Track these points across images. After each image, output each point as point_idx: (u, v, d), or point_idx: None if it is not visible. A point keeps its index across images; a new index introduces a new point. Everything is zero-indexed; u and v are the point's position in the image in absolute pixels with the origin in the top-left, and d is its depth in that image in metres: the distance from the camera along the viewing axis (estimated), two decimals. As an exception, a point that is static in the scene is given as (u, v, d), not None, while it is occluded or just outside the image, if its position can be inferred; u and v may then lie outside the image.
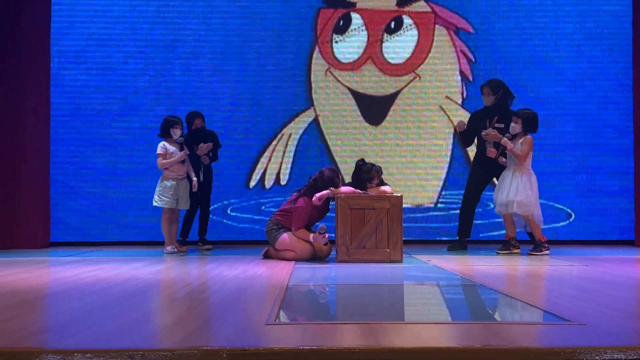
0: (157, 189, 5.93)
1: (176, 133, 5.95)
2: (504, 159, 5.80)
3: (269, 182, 7.30)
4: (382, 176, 5.60)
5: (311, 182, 5.28)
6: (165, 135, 5.97)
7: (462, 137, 6.31)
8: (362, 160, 5.57)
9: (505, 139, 5.68)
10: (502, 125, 5.89)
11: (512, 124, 5.66)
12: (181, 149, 5.97)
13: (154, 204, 5.94)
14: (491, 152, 5.84)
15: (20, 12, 6.84)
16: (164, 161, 5.90)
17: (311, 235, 5.11)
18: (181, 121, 6.07)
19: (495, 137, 5.84)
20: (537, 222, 5.65)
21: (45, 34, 7.06)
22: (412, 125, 7.33)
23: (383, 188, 5.39)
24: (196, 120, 6.38)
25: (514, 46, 7.31)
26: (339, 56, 7.36)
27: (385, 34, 7.36)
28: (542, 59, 7.29)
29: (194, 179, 6.05)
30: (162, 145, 5.93)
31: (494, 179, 6.32)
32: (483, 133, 5.92)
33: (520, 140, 5.64)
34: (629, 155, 7.16)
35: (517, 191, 5.56)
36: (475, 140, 6.26)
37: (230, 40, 7.31)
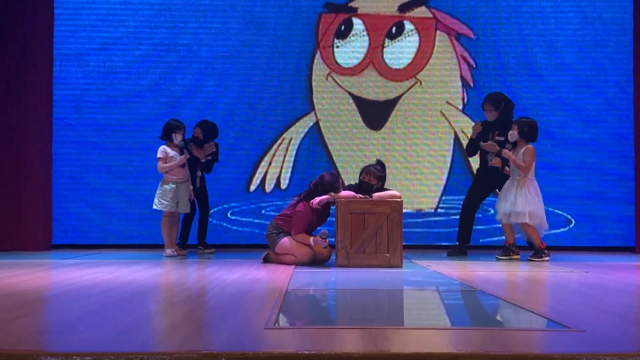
0: (157, 192, 5.94)
1: (177, 138, 5.96)
2: (507, 168, 5.81)
3: (269, 186, 7.30)
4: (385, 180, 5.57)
5: (311, 186, 5.28)
6: (167, 138, 5.98)
7: (470, 145, 6.29)
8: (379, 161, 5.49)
9: (505, 150, 5.69)
10: (503, 138, 5.90)
11: (510, 132, 5.70)
12: (181, 153, 5.98)
13: (154, 207, 5.94)
14: (496, 161, 5.85)
15: (23, 13, 6.86)
16: (164, 165, 5.90)
17: (311, 238, 5.11)
18: (184, 126, 6.06)
19: (492, 148, 5.88)
20: (541, 230, 5.65)
21: (47, 37, 7.07)
22: (413, 131, 7.34)
23: (384, 193, 5.32)
24: (196, 129, 6.42)
25: (514, 52, 7.32)
26: (340, 61, 7.38)
27: (387, 39, 7.38)
28: (543, 65, 7.30)
29: (190, 187, 6.06)
30: (163, 149, 5.94)
31: (497, 190, 6.33)
32: (482, 144, 5.95)
33: (522, 151, 5.64)
34: (630, 161, 7.16)
35: (525, 202, 5.55)
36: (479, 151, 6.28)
37: (231, 45, 7.33)
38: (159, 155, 5.92)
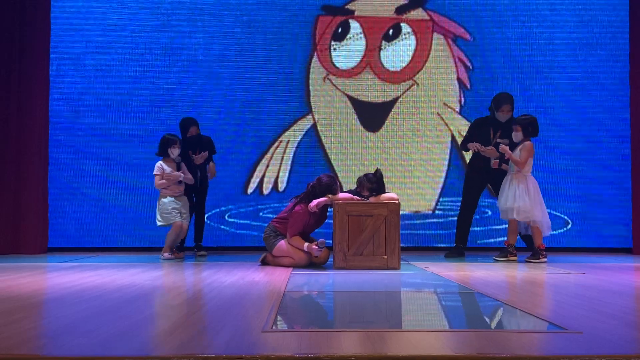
0: (157, 209, 5.88)
1: (174, 152, 5.93)
2: (506, 165, 5.84)
3: (267, 188, 7.30)
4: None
5: (309, 188, 5.27)
6: (163, 154, 5.94)
7: (465, 141, 6.30)
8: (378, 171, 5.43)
9: (502, 146, 5.72)
10: (507, 141, 5.88)
11: (514, 133, 5.72)
12: (178, 168, 5.95)
13: (158, 224, 5.87)
14: (495, 163, 5.88)
15: (20, 13, 6.86)
16: (161, 181, 5.87)
17: (305, 244, 5.10)
18: (179, 139, 6.03)
19: (492, 153, 5.88)
20: (542, 229, 5.66)
21: (44, 40, 7.06)
22: (410, 132, 7.35)
23: (385, 195, 5.29)
24: (191, 128, 6.36)
25: (511, 54, 7.34)
26: (337, 63, 7.38)
27: (384, 42, 7.38)
28: (539, 67, 7.32)
29: (192, 178, 6.03)
30: (159, 166, 5.90)
31: (489, 185, 6.36)
32: (480, 150, 5.92)
33: (520, 147, 5.66)
34: (626, 163, 7.18)
35: (514, 198, 5.59)
36: None
37: (229, 47, 7.33)
38: (155, 171, 5.89)
